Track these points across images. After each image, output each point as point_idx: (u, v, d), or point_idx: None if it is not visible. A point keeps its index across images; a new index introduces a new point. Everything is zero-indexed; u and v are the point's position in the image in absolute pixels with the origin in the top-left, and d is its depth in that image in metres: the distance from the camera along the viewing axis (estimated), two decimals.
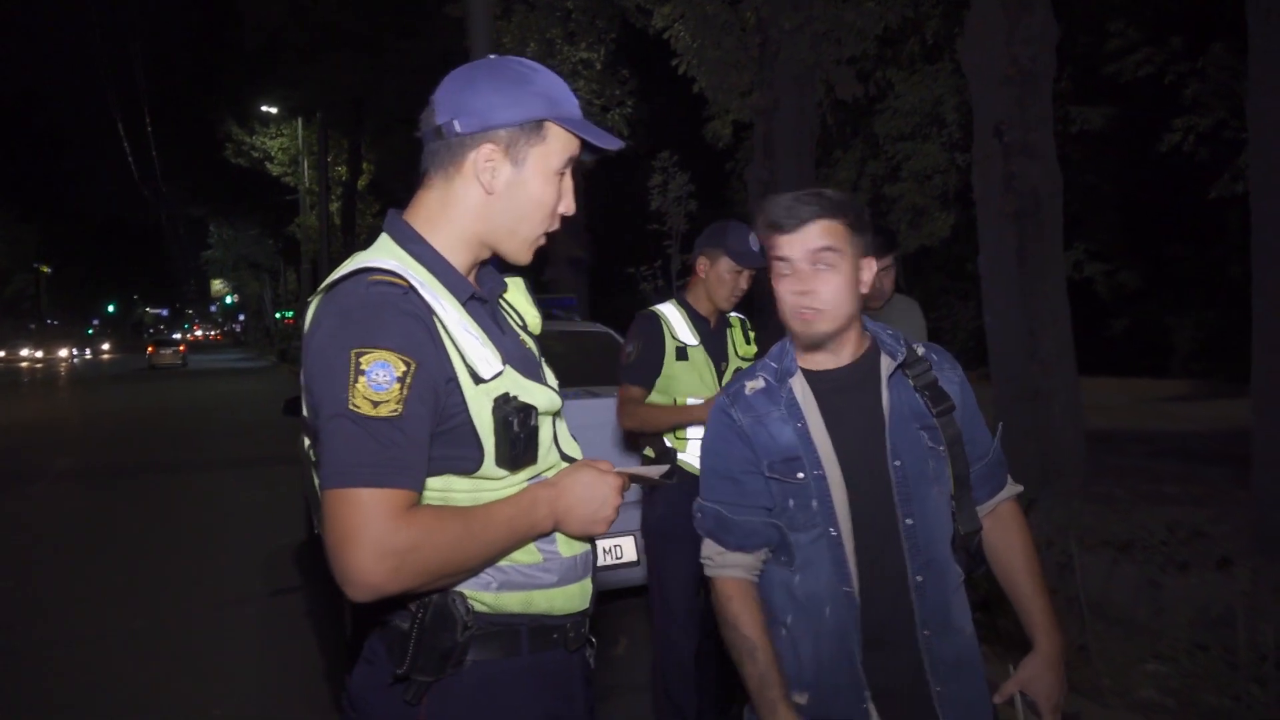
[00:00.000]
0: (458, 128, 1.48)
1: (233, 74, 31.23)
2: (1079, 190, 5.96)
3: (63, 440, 15.53)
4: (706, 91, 10.44)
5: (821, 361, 1.86)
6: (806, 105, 9.89)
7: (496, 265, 1.65)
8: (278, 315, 55.55)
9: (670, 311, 3.53)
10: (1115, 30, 11.69)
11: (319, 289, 1.47)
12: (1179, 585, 4.22)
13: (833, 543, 1.78)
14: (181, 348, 44.71)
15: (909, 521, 1.78)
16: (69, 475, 11.47)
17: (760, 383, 1.90)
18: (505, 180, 1.49)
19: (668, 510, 3.30)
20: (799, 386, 1.86)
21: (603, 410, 4.47)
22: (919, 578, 1.78)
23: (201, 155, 37.55)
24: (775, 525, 1.83)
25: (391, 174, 32.53)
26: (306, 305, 1.49)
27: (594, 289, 19.23)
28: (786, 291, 1.81)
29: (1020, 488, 1.99)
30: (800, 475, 1.80)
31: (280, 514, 8.27)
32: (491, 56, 1.57)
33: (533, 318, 1.72)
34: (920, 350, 1.88)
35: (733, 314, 3.63)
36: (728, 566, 1.87)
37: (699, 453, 2.01)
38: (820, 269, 1.78)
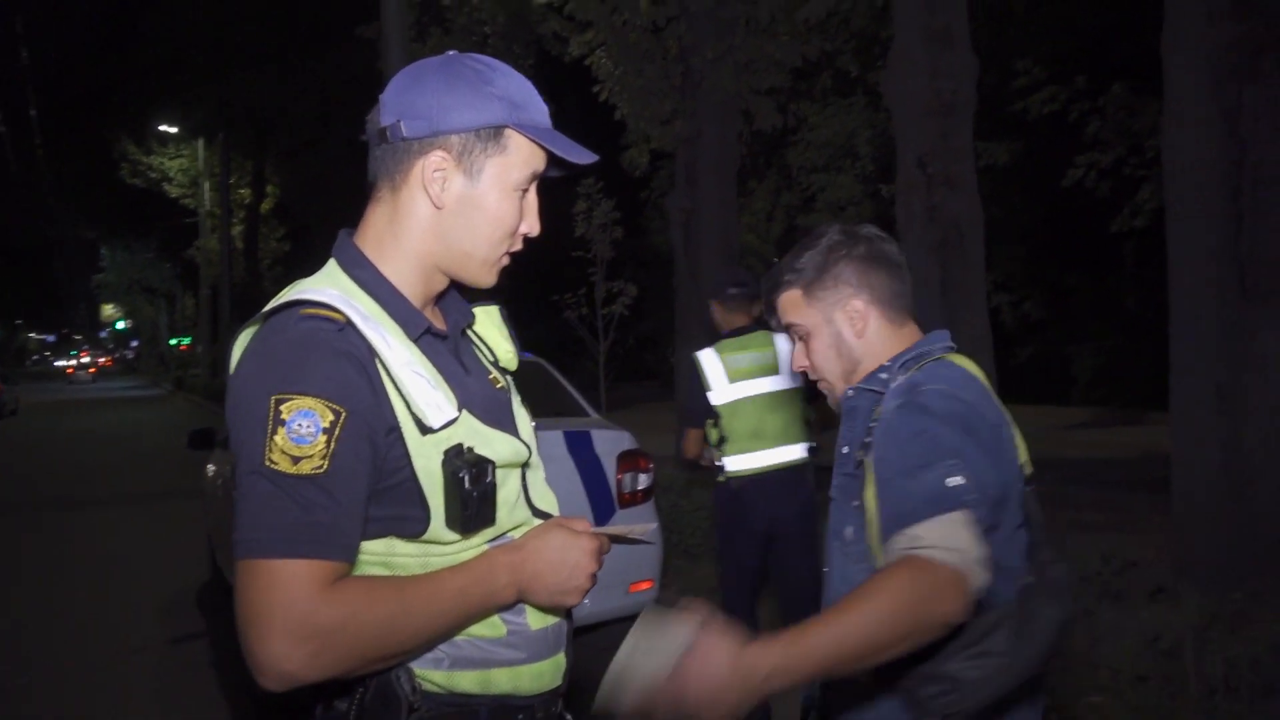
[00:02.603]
0: (404, 130, 1.28)
1: (130, 90, 30.03)
2: (985, 223, 6.13)
3: None
4: (628, 119, 10.40)
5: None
6: (728, 135, 9.93)
7: (465, 293, 1.47)
8: (173, 341, 53.59)
9: None
10: (1022, 69, 12.08)
11: (249, 321, 1.28)
12: (1114, 616, 4.24)
13: None
14: (92, 370, 63.71)
15: (825, 569, 1.67)
16: None
17: None
18: (457, 193, 1.29)
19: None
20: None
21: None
22: None
23: (95, 174, 35.86)
24: None
25: (297, 197, 31.77)
26: (234, 337, 1.29)
27: (514, 316, 18.92)
28: None
29: (923, 545, 1.44)
30: None
31: (181, 553, 7.80)
32: (450, 53, 1.37)
33: (505, 352, 1.52)
34: (899, 381, 1.60)
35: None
36: None
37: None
38: (804, 342, 1.72)
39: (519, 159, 1.31)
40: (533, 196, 1.36)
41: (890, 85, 6.90)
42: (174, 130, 31.40)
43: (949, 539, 1.36)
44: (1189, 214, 5.34)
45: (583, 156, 1.34)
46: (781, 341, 3.95)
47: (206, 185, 32.50)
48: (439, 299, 1.42)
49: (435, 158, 1.29)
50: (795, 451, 3.92)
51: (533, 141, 1.31)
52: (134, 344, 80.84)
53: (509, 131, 1.30)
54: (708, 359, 3.98)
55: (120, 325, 76.71)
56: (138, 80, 28.79)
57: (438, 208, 1.31)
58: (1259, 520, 4.97)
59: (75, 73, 32.11)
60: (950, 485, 1.41)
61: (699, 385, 3.97)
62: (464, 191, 1.30)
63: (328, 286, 1.28)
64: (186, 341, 49.89)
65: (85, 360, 70.90)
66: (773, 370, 3.93)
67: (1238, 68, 5.05)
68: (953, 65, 6.63)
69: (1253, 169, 5.04)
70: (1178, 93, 5.36)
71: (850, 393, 1.68)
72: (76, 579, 7.37)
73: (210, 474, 6.56)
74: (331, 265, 1.35)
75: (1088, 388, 17.90)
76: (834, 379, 1.70)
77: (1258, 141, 5.02)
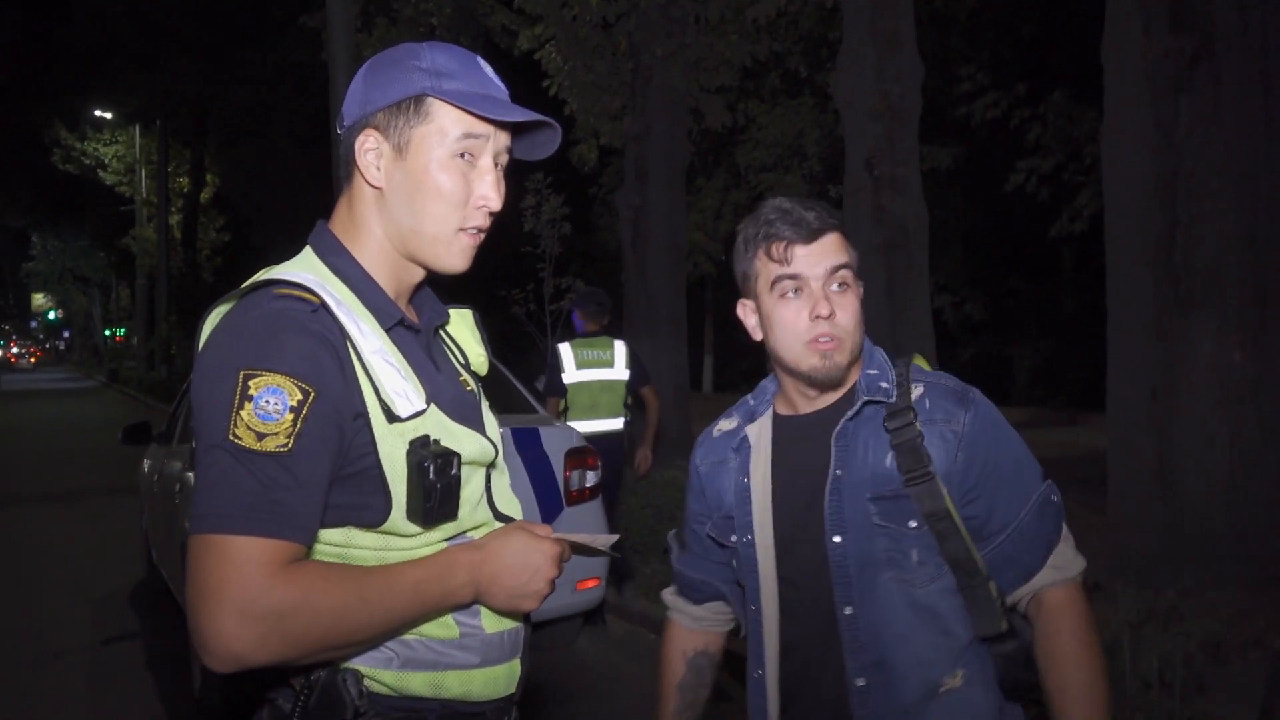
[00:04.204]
0: (345, 120, 1.32)
1: (62, 74, 29.12)
2: (929, 225, 6.30)
3: None
4: (577, 114, 10.36)
5: (793, 404, 1.59)
6: (678, 132, 9.96)
7: (443, 296, 1.47)
8: (107, 333, 52.20)
9: None
10: (965, 74, 12.27)
11: (221, 299, 1.26)
12: None
13: (754, 619, 1.57)
14: (33, 359, 66.83)
15: (848, 611, 1.47)
16: None
17: (731, 423, 1.67)
18: (390, 171, 1.30)
19: None
20: (756, 432, 1.61)
21: None
22: (860, 681, 1.47)
23: (24, 159, 34.76)
24: (713, 584, 1.71)
25: (238, 187, 31.12)
26: (204, 318, 1.27)
27: None
28: (799, 316, 1.49)
29: (1073, 571, 1.50)
30: (734, 538, 1.60)
31: (114, 551, 7.60)
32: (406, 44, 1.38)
33: (477, 355, 1.52)
34: (917, 392, 1.50)
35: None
36: (674, 609, 1.80)
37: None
38: (837, 289, 1.50)
39: (447, 124, 1.28)
40: (486, 166, 1.32)
41: (839, 88, 6.98)
42: (109, 116, 30.52)
43: (1074, 554, 1.52)
44: (1126, 221, 5.47)
45: (511, 114, 1.29)
46: (620, 346, 5.71)
47: (143, 173, 31.64)
48: (414, 296, 1.42)
49: (363, 138, 1.30)
50: (618, 423, 5.67)
51: (457, 108, 1.28)
52: (66, 335, 78.73)
53: (430, 100, 1.28)
54: (564, 349, 5.64)
55: (52, 316, 74.56)
56: (71, 63, 27.96)
57: (375, 187, 1.31)
58: (1190, 519, 5.12)
59: (4, 54, 31.05)
60: (1054, 499, 1.53)
61: (557, 367, 5.60)
62: (396, 167, 1.30)
63: (304, 271, 1.28)
64: (121, 333, 48.64)
65: (16, 350, 71.16)
66: (609, 365, 5.63)
67: (1174, 79, 5.17)
68: (900, 69, 6.73)
69: (1187, 178, 5.17)
70: (1116, 102, 5.48)
71: (850, 414, 1.52)
72: (3, 578, 7.13)
73: (146, 470, 6.39)
74: (307, 252, 1.35)
75: (1026, 388, 18.28)
76: (856, 345, 1.52)
77: (1192, 151, 5.15)
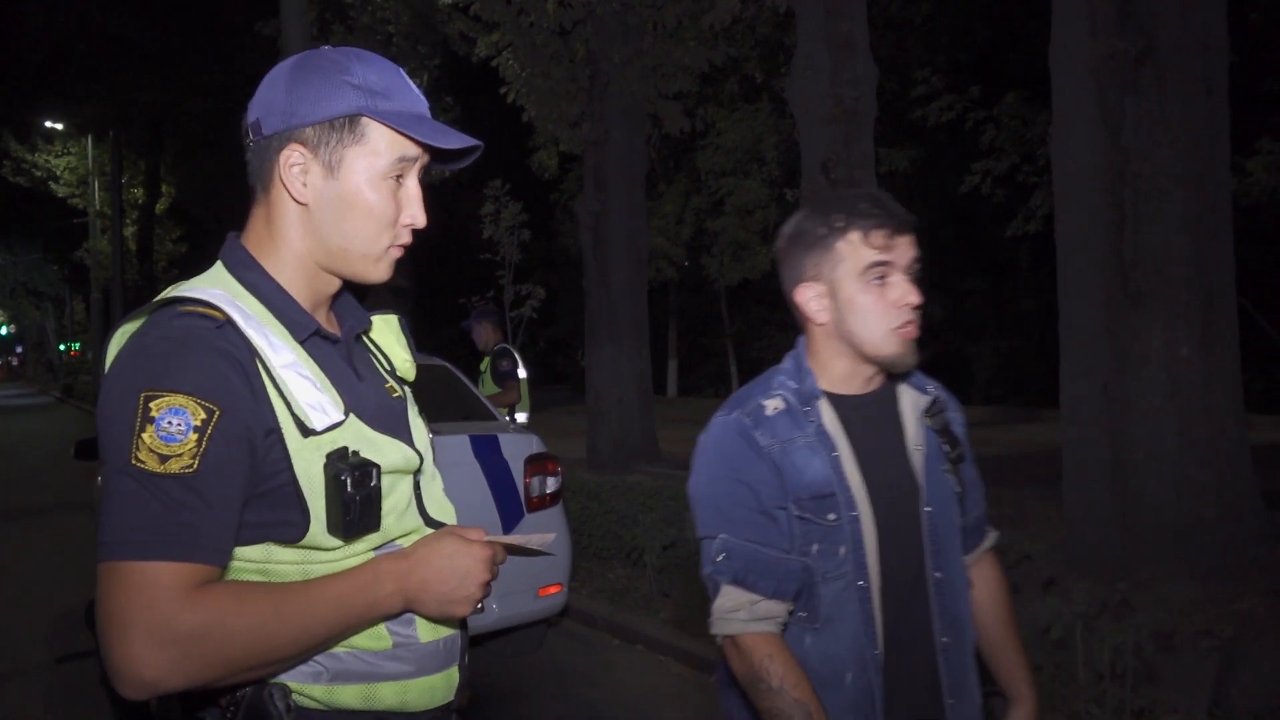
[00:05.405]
0: (264, 129, 1.27)
1: (12, 85, 28.61)
2: None
3: None
4: (535, 121, 10.36)
5: (842, 385, 1.63)
6: (636, 138, 9.98)
7: (365, 300, 1.44)
8: (61, 347, 51.31)
9: None
10: (920, 78, 12.43)
11: (124, 319, 1.23)
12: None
13: (861, 596, 1.54)
14: None
15: (938, 575, 1.59)
16: None
17: (780, 403, 1.61)
18: (319, 188, 1.26)
19: None
20: (828, 411, 1.60)
21: (442, 449, 4.24)
22: (944, 639, 1.59)
23: None
24: (806, 570, 1.56)
25: (194, 197, 30.74)
26: (109, 338, 1.23)
27: (421, 320, 18.74)
28: (893, 302, 1.54)
29: (997, 533, 1.81)
30: (832, 516, 1.55)
31: (68, 569, 7.45)
32: (321, 48, 1.34)
33: (402, 361, 1.48)
34: (932, 383, 1.71)
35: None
36: (760, 619, 1.55)
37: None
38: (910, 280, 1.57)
39: (381, 146, 1.26)
40: (412, 185, 1.31)
41: (794, 92, 7.03)
42: (60, 127, 30.01)
43: None
44: (1076, 220, 5.56)
45: (450, 140, 1.27)
46: None
47: (96, 184, 31.14)
48: (334, 304, 1.38)
49: (289, 152, 1.26)
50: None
51: (392, 129, 1.26)
52: (19, 350, 77.30)
53: (365, 120, 1.26)
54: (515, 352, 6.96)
55: (4, 331, 73.15)
56: (22, 74, 27.46)
57: (300, 204, 1.27)
58: (1142, 513, 5.20)
59: None
60: None
61: (517, 363, 6.70)
62: (326, 185, 1.26)
63: (212, 287, 1.24)
64: (76, 347, 47.84)
65: None
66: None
67: (1119, 79, 5.27)
68: (854, 73, 6.79)
69: (1134, 178, 5.26)
70: (1064, 103, 5.57)
71: (933, 397, 1.68)
72: None
73: (100, 485, 6.29)
74: (218, 267, 1.31)
75: (986, 386, 18.54)
76: None
77: (1138, 151, 5.25)
